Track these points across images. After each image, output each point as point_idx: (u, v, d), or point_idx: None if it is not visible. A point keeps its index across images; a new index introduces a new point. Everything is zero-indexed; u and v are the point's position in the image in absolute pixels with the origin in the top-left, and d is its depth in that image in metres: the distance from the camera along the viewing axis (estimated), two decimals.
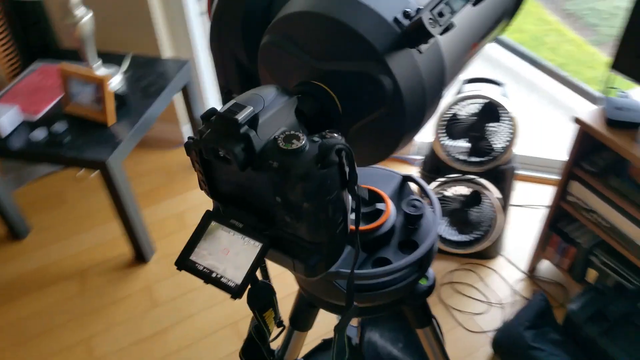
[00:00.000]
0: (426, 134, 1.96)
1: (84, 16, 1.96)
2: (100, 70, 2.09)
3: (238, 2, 0.74)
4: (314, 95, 0.63)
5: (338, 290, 0.88)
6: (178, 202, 2.38)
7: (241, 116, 0.54)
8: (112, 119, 1.92)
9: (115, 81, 2.09)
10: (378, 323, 1.45)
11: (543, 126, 2.90)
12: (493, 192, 1.88)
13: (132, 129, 1.90)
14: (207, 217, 0.61)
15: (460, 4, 0.63)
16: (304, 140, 0.55)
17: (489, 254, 2.08)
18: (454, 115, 1.82)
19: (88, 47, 2.04)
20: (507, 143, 1.80)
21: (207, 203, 2.26)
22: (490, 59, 3.45)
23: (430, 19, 0.58)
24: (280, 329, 0.90)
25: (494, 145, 1.82)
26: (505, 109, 1.76)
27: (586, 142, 1.64)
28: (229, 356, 1.81)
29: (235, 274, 0.57)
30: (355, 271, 0.85)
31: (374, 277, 0.86)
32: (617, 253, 1.71)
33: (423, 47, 0.62)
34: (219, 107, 0.59)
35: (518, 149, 1.89)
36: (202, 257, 0.59)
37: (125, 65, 2.21)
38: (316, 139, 0.56)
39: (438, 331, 1.09)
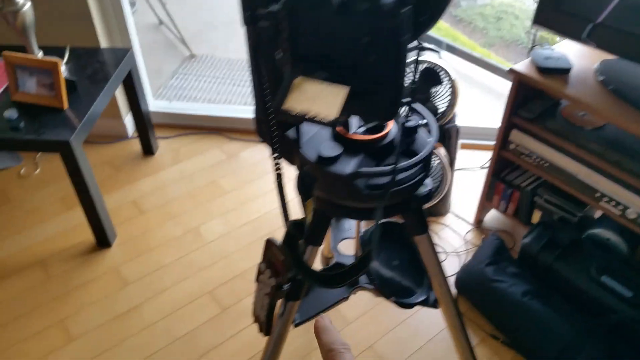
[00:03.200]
0: None
1: (25, 4, 1.94)
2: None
3: None
4: None
5: (359, 191, 0.96)
6: (129, 190, 2.36)
7: None
8: (66, 103, 1.90)
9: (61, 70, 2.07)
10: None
11: (467, 102, 3.14)
12: (441, 150, 2.04)
13: (87, 112, 1.88)
14: (291, 75, 0.68)
15: None
16: None
17: (440, 211, 2.23)
18: None
19: (30, 36, 2.01)
20: (450, 102, 1.96)
21: (161, 189, 2.25)
22: None
23: None
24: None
25: (438, 106, 1.98)
26: (446, 71, 1.91)
27: (522, 91, 1.82)
28: (209, 322, 1.82)
29: (328, 112, 0.65)
30: (375, 169, 0.95)
31: (388, 173, 0.95)
32: (558, 190, 1.88)
33: None
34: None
35: (459, 110, 2.05)
36: (293, 106, 0.66)
37: (66, 55, 2.20)
38: None
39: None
